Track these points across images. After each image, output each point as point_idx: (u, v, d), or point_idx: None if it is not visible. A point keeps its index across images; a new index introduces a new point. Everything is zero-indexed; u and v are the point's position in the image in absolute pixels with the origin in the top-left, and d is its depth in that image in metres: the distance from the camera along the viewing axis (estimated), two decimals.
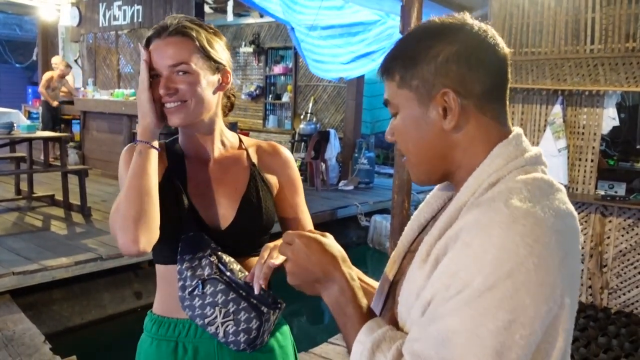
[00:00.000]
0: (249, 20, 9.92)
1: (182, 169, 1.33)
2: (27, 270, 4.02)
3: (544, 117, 3.89)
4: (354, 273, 0.93)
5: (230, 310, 1.21)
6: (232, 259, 1.26)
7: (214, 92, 1.28)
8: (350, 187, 8.02)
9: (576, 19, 3.76)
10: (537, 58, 3.86)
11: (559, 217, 0.76)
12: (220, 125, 1.35)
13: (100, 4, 8.52)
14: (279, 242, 1.08)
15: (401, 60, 0.88)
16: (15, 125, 5.83)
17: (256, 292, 1.09)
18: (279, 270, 1.06)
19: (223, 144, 1.37)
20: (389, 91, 0.90)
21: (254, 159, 1.39)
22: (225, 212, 1.31)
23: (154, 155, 1.21)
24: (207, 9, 8.14)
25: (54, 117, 9.32)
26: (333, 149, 8.05)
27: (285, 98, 9.77)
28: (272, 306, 1.25)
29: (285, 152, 1.44)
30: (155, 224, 1.19)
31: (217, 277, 1.22)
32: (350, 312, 0.87)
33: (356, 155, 8.29)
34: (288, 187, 1.42)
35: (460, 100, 0.83)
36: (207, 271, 1.22)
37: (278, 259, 1.08)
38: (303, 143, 8.56)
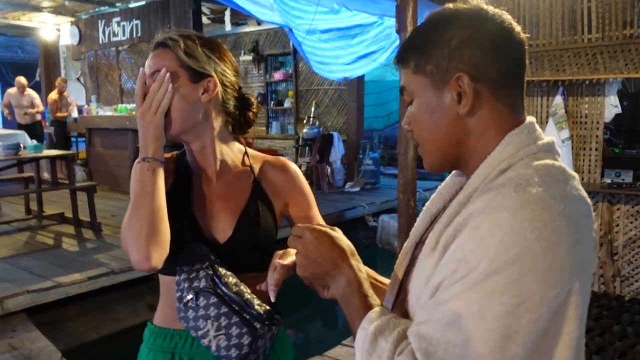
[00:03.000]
0: (247, 28, 9.97)
1: (188, 181, 1.34)
2: (41, 287, 4.05)
3: (546, 109, 3.89)
4: (361, 266, 0.93)
5: (222, 324, 1.19)
6: (229, 272, 1.25)
7: (195, 103, 1.25)
8: (357, 189, 8.03)
9: (572, 9, 3.76)
10: (535, 50, 3.87)
11: (569, 203, 0.75)
12: (218, 139, 1.33)
13: (99, 21, 8.59)
14: (288, 250, 1.08)
15: (415, 46, 0.88)
16: (22, 145, 5.89)
17: (272, 299, 1.07)
18: (293, 274, 1.06)
19: (225, 158, 1.35)
20: (404, 78, 0.90)
21: (258, 175, 1.37)
22: (225, 227, 1.31)
23: (162, 172, 1.23)
24: (205, 19, 8.20)
25: (66, 135, 9.43)
26: (337, 151, 8.07)
27: (287, 104, 9.80)
28: (268, 322, 1.23)
29: (293, 167, 1.42)
30: (166, 241, 1.20)
31: (211, 289, 1.21)
32: (356, 301, 0.88)
33: (361, 156, 8.30)
34: (299, 201, 1.39)
35: (474, 85, 0.82)
36: (202, 283, 1.21)
37: (287, 260, 1.07)
38: (307, 147, 8.57)
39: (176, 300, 1.24)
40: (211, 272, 1.22)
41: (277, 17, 5.86)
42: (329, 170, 8.01)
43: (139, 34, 8.00)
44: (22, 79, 9.08)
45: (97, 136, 8.59)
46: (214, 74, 1.27)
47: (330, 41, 6.38)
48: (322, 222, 1.40)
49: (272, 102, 10.13)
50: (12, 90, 9.06)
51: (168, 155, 1.35)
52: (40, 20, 9.38)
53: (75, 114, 9.36)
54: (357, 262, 0.93)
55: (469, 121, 0.85)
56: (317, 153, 7.87)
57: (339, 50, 6.45)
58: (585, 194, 0.82)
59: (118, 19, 8.28)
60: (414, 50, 0.89)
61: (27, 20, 9.33)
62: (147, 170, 1.20)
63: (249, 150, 1.42)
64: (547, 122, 3.83)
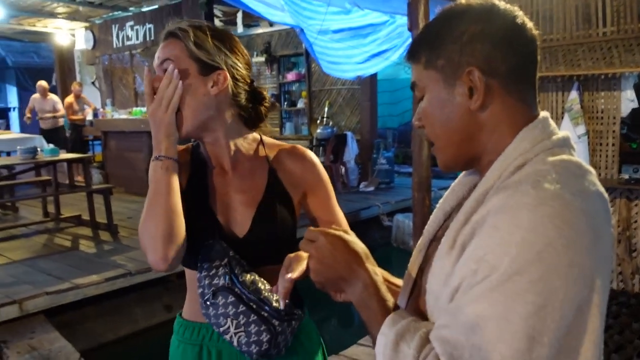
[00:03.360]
0: (259, 30, 10.00)
1: (204, 175, 1.33)
2: (60, 289, 4.11)
3: (561, 104, 3.85)
4: (377, 269, 0.92)
5: (241, 322, 1.20)
6: (245, 270, 1.24)
7: (204, 96, 1.23)
8: (371, 188, 8.02)
9: (586, 3, 3.72)
10: (549, 45, 3.83)
11: (588, 199, 0.75)
12: (231, 132, 1.31)
13: (113, 26, 8.68)
14: (300, 253, 1.04)
15: (427, 41, 0.88)
16: (39, 149, 5.96)
17: (282, 307, 1.05)
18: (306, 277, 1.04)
19: (239, 150, 1.34)
20: (415, 73, 0.90)
21: (274, 165, 1.35)
22: (243, 221, 1.30)
23: (176, 170, 1.22)
24: (217, 22, 8.24)
25: (82, 139, 9.54)
26: (351, 151, 8.06)
27: (301, 104, 9.81)
28: (286, 318, 1.23)
29: (309, 154, 1.38)
30: (182, 240, 1.20)
31: (229, 288, 1.21)
32: (374, 305, 0.86)
33: (375, 156, 8.28)
34: (316, 189, 1.37)
35: (485, 79, 0.82)
36: (221, 281, 1.21)
37: (297, 271, 1.02)
38: (321, 147, 8.58)
39: (199, 296, 1.24)
40: (229, 270, 1.22)
41: (288, 18, 5.87)
42: (343, 170, 8.01)
43: (152, 38, 8.07)
44: (43, 83, 9.12)
45: (112, 139, 8.68)
46: (224, 67, 1.25)
47: (343, 41, 6.37)
48: (340, 213, 1.40)
49: (285, 103, 10.15)
50: (36, 95, 9.13)
51: (183, 147, 1.34)
52: (55, 26, 9.50)
53: (90, 117, 9.47)
54: (372, 266, 0.91)
55: (480, 116, 0.84)
56: (331, 153, 7.87)
57: (351, 49, 6.45)
58: (602, 189, 0.80)
59: (131, 23, 8.35)
60: (425, 45, 0.88)
61: (42, 26, 9.45)
62: (160, 169, 1.20)
63: (265, 139, 1.39)
64: (562, 118, 3.78)
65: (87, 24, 9.24)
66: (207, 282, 1.22)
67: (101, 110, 9.28)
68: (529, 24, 0.86)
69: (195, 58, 1.22)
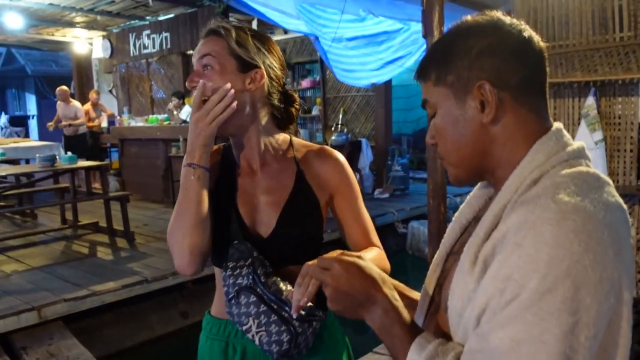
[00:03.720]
0: (275, 37, 10.05)
1: (232, 176, 1.36)
2: (77, 296, 4.15)
3: (578, 111, 3.82)
4: (395, 294, 0.91)
5: (262, 322, 1.22)
6: (268, 271, 1.26)
7: (241, 92, 1.26)
8: (386, 195, 8.00)
9: (602, 7, 3.69)
10: (565, 51, 3.80)
11: (609, 210, 0.74)
12: (263, 131, 1.33)
13: (130, 35, 8.78)
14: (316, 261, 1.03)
15: (435, 59, 0.89)
16: (57, 157, 6.05)
17: (293, 317, 1.07)
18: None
19: (269, 150, 1.35)
20: (425, 91, 0.91)
21: (302, 166, 1.36)
22: (268, 221, 1.32)
23: (207, 179, 1.25)
24: None
25: (100, 146, 9.65)
26: (366, 158, 8.06)
27: (315, 111, 9.84)
28: (307, 319, 1.24)
29: (336, 154, 1.40)
30: (208, 248, 1.25)
31: (251, 288, 1.23)
32: (397, 332, 0.85)
33: (389, 162, 8.27)
34: (342, 190, 1.37)
35: (496, 92, 0.82)
36: (245, 281, 1.24)
37: (313, 287, 1.01)
38: None
39: (224, 294, 1.27)
40: (252, 270, 1.24)
41: (303, 26, 5.91)
42: (357, 176, 8.01)
43: (169, 46, 8.15)
44: (64, 87, 9.16)
45: (129, 146, 8.77)
46: (261, 66, 1.29)
47: (357, 48, 6.39)
48: (365, 215, 1.41)
49: (300, 110, 10.15)
50: (60, 102, 9.21)
51: (215, 147, 1.36)
52: (74, 35, 9.64)
53: (105, 124, 9.57)
54: (390, 290, 0.90)
55: (492, 129, 0.84)
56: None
57: (365, 57, 6.46)
58: (620, 200, 0.80)
59: (148, 31, 8.44)
60: (434, 62, 0.89)
61: (61, 35, 9.60)
62: (192, 177, 1.23)
63: (294, 140, 1.41)
64: (579, 124, 3.75)
65: (104, 33, 9.36)
66: (231, 281, 1.25)
67: (118, 117, 9.38)
68: (536, 37, 0.86)
69: (236, 55, 1.26)
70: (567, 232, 0.70)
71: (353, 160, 7.93)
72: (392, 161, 8.22)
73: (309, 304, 1.10)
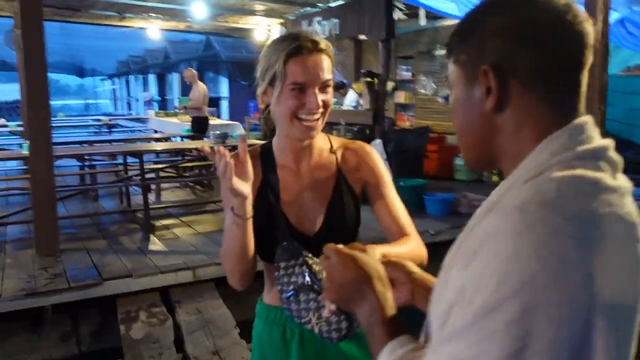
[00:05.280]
0: (445, 22, 9.79)
1: (275, 178, 1.41)
2: None
3: None
4: (388, 293, 0.89)
5: (322, 314, 1.25)
6: (319, 268, 1.30)
7: None
8: None
9: None
10: None
11: (589, 224, 0.64)
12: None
13: (303, 22, 9.21)
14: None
15: (457, 33, 0.83)
16: (229, 135, 6.64)
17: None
18: None
19: (315, 150, 1.42)
20: (449, 68, 0.85)
21: (340, 161, 1.42)
22: (314, 219, 1.38)
23: (249, 225, 1.29)
24: (400, 15, 8.28)
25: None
26: None
27: None
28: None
29: (367, 147, 1.47)
30: (253, 270, 1.36)
31: (309, 286, 1.29)
32: (377, 332, 0.84)
33: None
34: (374, 181, 1.43)
35: (504, 79, 0.74)
36: (300, 279, 1.30)
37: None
38: None
39: (278, 292, 1.34)
40: (306, 268, 1.30)
41: (455, 10, 5.66)
42: None
43: (337, 32, 8.41)
44: (191, 69, 9.65)
45: None
46: None
47: None
48: (399, 204, 1.41)
49: None
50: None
51: (251, 149, 1.42)
52: (255, 23, 10.38)
53: None
54: (383, 288, 0.88)
55: (498, 119, 0.76)
56: None
57: None
58: (629, 209, 0.68)
59: (319, 18, 8.78)
60: (455, 36, 0.82)
61: (244, 23, 10.40)
62: (232, 222, 1.27)
63: (331, 137, 1.47)
64: None
65: (282, 21, 9.94)
66: (285, 280, 1.32)
67: None
68: (578, 18, 0.74)
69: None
70: (527, 246, 0.62)
71: None
72: None
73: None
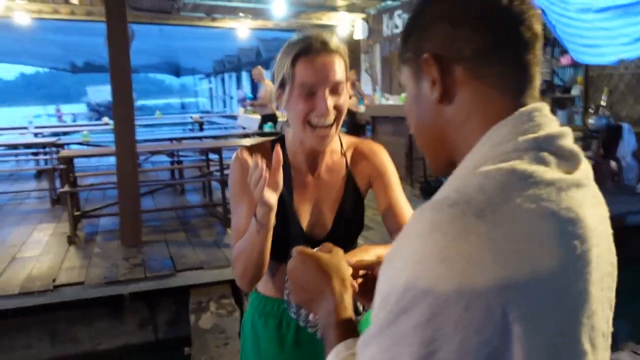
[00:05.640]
0: None
1: (288, 180, 1.37)
2: None
3: None
4: (347, 296, 0.87)
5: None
6: None
7: None
8: None
9: None
10: None
11: (508, 222, 0.58)
12: None
13: (384, 15, 9.15)
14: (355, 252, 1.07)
15: (401, 36, 0.79)
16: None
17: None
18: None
19: (327, 153, 1.40)
20: (400, 71, 0.81)
21: (350, 162, 1.41)
22: (324, 222, 1.37)
23: (269, 233, 1.23)
24: None
25: (356, 123, 10.42)
26: (627, 145, 6.98)
27: (576, 91, 8.84)
28: (363, 311, 1.24)
29: (376, 147, 1.44)
30: (261, 276, 1.30)
31: None
32: (330, 334, 0.82)
33: None
34: (378, 178, 1.40)
35: (447, 66, 0.70)
36: None
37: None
38: (593, 140, 7.64)
39: (285, 295, 1.34)
40: None
41: None
42: (615, 166, 7.00)
43: None
44: (259, 67, 9.83)
45: (379, 124, 9.20)
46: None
47: (607, 20, 5.54)
48: (402, 201, 1.38)
49: (557, 90, 9.27)
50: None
51: (258, 146, 1.41)
52: (338, 18, 10.44)
53: (361, 108, 10.19)
54: (341, 289, 0.86)
55: (447, 110, 0.72)
56: (600, 147, 6.95)
57: (618, 29, 5.56)
58: (569, 204, 0.62)
59: (399, 12, 8.68)
60: (401, 39, 0.79)
61: (327, 19, 10.48)
62: (255, 229, 1.22)
63: (342, 137, 1.43)
64: None
65: (364, 15, 9.92)
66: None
67: (371, 96, 9.90)
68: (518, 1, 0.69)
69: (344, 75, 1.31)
70: (433, 247, 0.58)
71: (610, 148, 6.95)
72: None
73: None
